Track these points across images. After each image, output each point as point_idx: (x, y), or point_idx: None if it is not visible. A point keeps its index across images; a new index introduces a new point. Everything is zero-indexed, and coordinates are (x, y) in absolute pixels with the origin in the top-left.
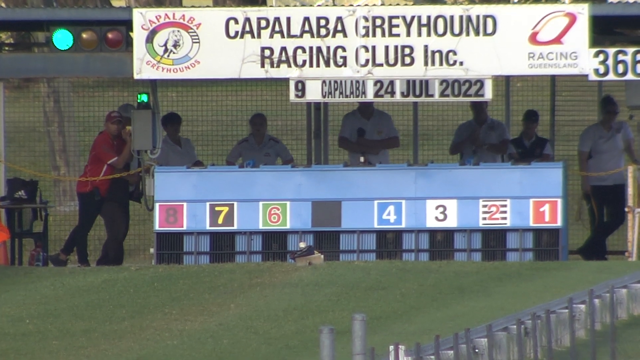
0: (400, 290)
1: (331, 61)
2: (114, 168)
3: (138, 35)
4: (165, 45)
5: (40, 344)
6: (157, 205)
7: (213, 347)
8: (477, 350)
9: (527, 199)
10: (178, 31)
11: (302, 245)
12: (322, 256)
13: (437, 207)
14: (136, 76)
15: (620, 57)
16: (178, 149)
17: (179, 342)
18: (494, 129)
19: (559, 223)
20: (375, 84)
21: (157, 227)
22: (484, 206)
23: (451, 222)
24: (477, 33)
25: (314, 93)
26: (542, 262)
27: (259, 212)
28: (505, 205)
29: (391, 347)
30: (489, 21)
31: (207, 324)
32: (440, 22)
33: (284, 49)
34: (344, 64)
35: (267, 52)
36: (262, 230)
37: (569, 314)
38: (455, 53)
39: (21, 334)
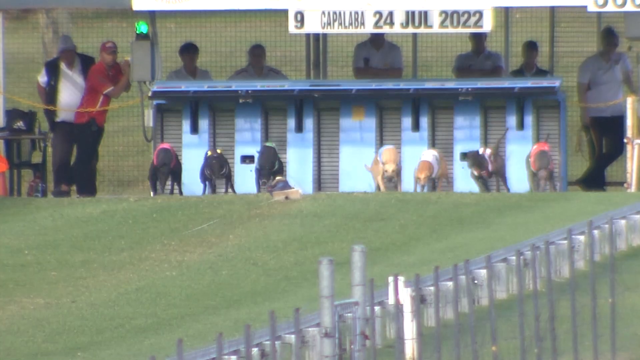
0: (399, 222)
1: None
2: (109, 98)
3: None
4: None
5: (39, 275)
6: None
7: (212, 278)
8: (476, 282)
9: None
10: None
11: (279, 178)
12: (300, 190)
13: None
14: (135, 7)
15: None
16: (190, 80)
17: (177, 273)
18: (490, 58)
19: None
20: (374, 14)
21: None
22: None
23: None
24: None
25: (313, 24)
26: (542, 193)
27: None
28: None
29: (390, 278)
30: None
31: (206, 255)
32: None
33: None
34: None
35: None
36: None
37: (568, 245)
38: None
39: (20, 265)
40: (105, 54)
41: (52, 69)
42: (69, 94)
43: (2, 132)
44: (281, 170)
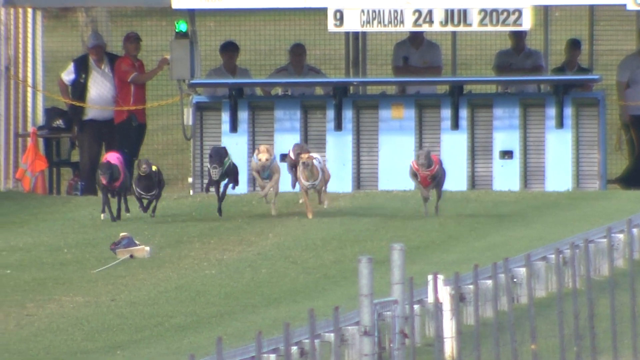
0: (439, 220)
1: None
2: (143, 93)
3: None
4: None
5: (78, 273)
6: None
7: (251, 276)
8: (515, 280)
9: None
10: None
11: (123, 234)
12: (146, 248)
13: None
14: (174, 5)
15: None
16: (229, 78)
17: (217, 272)
18: (530, 57)
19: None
20: (413, 13)
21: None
22: None
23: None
24: None
25: (352, 22)
26: (581, 192)
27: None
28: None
29: (430, 277)
30: None
31: (246, 253)
32: None
33: None
34: None
35: None
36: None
37: (607, 244)
38: None
39: (59, 264)
40: (128, 44)
41: (81, 66)
42: (99, 91)
43: (41, 131)
44: (234, 172)
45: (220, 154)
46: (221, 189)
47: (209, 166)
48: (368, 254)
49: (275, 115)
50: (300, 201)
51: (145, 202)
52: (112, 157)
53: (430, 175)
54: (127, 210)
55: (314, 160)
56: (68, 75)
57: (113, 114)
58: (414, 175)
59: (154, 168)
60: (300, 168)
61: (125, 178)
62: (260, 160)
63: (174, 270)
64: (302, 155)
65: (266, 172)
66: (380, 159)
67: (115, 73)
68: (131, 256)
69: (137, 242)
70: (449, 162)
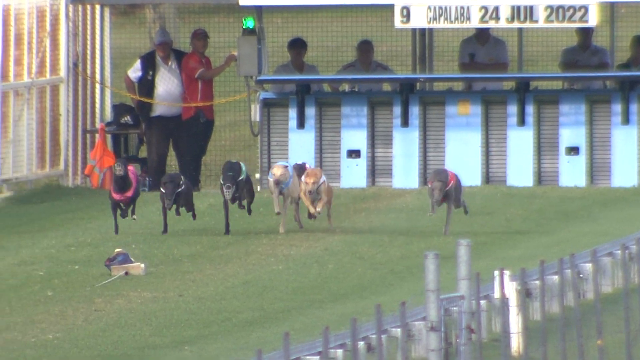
0: (505, 216)
1: None
2: (211, 89)
3: None
4: None
5: (146, 269)
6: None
7: (318, 272)
8: (581, 276)
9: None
10: None
11: (118, 250)
12: (141, 265)
13: None
14: (242, 2)
15: None
16: (297, 75)
17: (284, 267)
18: (596, 54)
19: None
20: (480, 9)
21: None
22: None
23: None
24: None
25: (419, 19)
26: None
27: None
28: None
29: (496, 272)
30: None
31: (313, 249)
32: None
33: None
34: None
35: None
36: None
37: None
38: None
39: None
40: (195, 40)
41: (148, 62)
42: (166, 87)
43: (109, 127)
44: (249, 186)
45: (234, 170)
46: (245, 206)
47: (221, 182)
48: (434, 249)
49: (342, 112)
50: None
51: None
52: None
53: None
54: (133, 212)
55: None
56: (135, 72)
57: (180, 110)
58: (432, 195)
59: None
60: (302, 190)
61: (138, 186)
62: (274, 175)
63: (242, 265)
64: (307, 180)
65: (283, 186)
66: (446, 155)
67: (183, 70)
68: (126, 273)
69: (132, 259)
70: (516, 158)
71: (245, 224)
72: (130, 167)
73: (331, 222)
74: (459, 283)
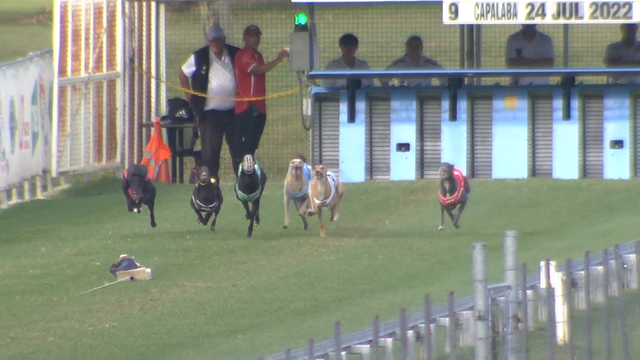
0: (551, 208)
1: None
2: (263, 84)
3: None
4: None
5: (200, 260)
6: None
7: (369, 262)
8: (625, 266)
9: None
10: None
11: (123, 256)
12: (147, 270)
13: None
14: None
15: None
16: (348, 70)
17: (335, 258)
18: None
19: None
20: (526, 6)
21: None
22: None
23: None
24: None
25: (466, 15)
26: None
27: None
28: None
29: (542, 263)
30: None
31: (363, 240)
32: None
33: None
34: None
35: None
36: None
37: None
38: None
39: (182, 250)
40: (248, 36)
41: (202, 58)
42: (219, 82)
43: (165, 121)
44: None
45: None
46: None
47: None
48: (482, 240)
49: (392, 106)
50: (309, 211)
51: (204, 214)
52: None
53: (454, 201)
54: (153, 224)
55: (328, 178)
56: (189, 67)
57: (233, 104)
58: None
59: (212, 180)
60: (312, 180)
61: (152, 189)
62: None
63: (293, 256)
64: (316, 165)
65: (301, 193)
66: (494, 148)
67: (236, 65)
68: (131, 278)
69: (137, 264)
70: (561, 152)
71: (297, 216)
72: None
73: (336, 212)
74: (506, 273)
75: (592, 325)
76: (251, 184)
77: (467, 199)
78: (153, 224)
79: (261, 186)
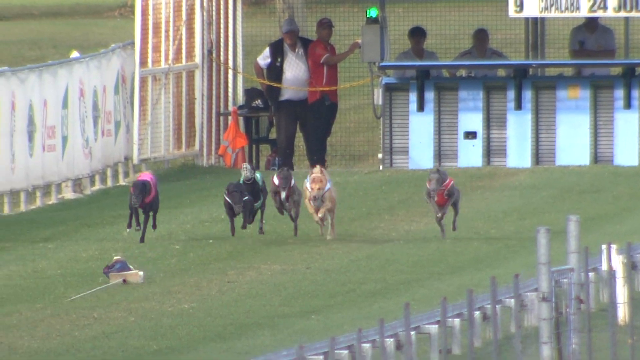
0: (612, 193)
1: None
2: (335, 73)
3: None
4: None
5: (275, 243)
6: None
7: (437, 246)
8: None
9: None
10: None
11: (117, 258)
12: (140, 273)
13: None
14: None
15: None
16: (417, 61)
17: (404, 242)
18: None
19: None
20: (589, 0)
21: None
22: None
23: None
24: None
25: (531, 9)
26: None
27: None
28: None
29: (604, 246)
30: None
31: (432, 224)
32: None
33: None
34: None
35: None
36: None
37: None
38: None
39: (258, 234)
40: (321, 29)
41: (277, 50)
42: (293, 73)
43: (241, 110)
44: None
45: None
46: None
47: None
48: (546, 225)
49: (459, 96)
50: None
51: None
52: (146, 176)
53: (445, 191)
54: (154, 227)
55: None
56: (264, 59)
57: (307, 94)
58: (429, 196)
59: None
60: (305, 200)
61: (156, 196)
62: (312, 189)
63: (365, 240)
64: (313, 187)
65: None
66: (557, 137)
67: (309, 56)
68: (124, 281)
69: (130, 267)
70: (622, 139)
71: (369, 201)
72: (150, 176)
73: (334, 232)
74: (569, 256)
75: None
76: (252, 192)
77: (459, 198)
78: (144, 235)
79: (262, 196)
